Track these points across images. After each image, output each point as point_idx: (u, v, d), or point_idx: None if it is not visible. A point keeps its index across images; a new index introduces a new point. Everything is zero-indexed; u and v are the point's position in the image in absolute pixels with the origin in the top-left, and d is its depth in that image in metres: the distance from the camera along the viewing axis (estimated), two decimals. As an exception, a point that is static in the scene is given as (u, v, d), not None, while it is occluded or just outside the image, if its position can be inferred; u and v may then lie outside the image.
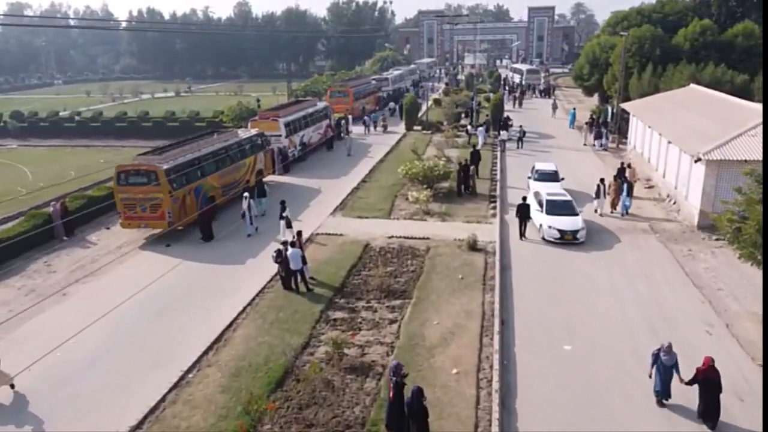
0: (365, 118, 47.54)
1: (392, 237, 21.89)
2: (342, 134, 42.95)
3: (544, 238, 21.53)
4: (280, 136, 33.50)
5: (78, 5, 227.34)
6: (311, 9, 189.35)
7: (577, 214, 22.05)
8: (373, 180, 30.59)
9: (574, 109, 48.77)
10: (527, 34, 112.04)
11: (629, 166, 27.43)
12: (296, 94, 54.41)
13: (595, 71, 49.56)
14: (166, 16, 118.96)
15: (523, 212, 22.06)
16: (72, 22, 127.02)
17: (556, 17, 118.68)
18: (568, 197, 23.19)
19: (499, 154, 36.13)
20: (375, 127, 46.48)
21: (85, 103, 75.58)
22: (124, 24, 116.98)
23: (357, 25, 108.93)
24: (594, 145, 38.42)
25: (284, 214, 21.81)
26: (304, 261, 17.93)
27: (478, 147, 38.16)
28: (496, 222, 23.50)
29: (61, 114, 57.23)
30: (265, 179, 30.90)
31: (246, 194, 23.23)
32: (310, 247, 21.25)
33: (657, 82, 40.46)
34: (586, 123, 41.55)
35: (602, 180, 24.66)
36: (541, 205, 22.63)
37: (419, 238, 21.63)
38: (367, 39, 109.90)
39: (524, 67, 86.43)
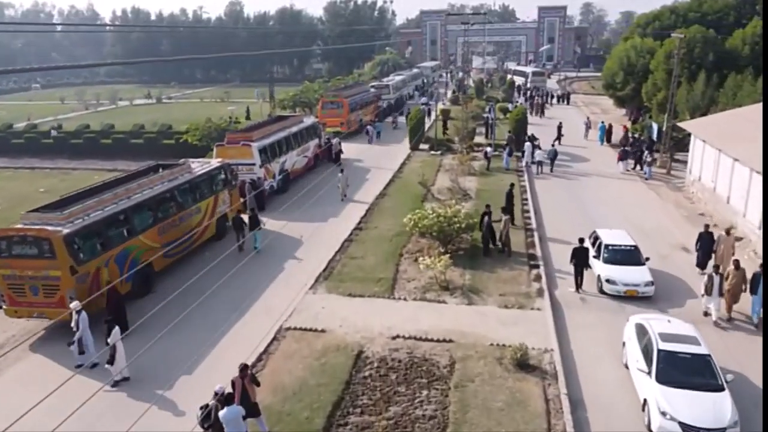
0: (368, 127, 42.40)
1: (397, 337, 14.82)
2: (334, 152, 35.97)
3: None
4: (253, 164, 26.52)
5: (62, 5, 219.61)
6: (307, 9, 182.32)
7: (722, 387, 11.37)
8: (371, 226, 23.51)
9: (603, 122, 41.64)
10: (537, 35, 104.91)
11: (728, 232, 18.24)
12: (283, 104, 47.32)
13: (630, 79, 42.62)
14: (153, 17, 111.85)
15: (580, 259, 17.47)
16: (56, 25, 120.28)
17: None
18: (703, 346, 12.20)
19: (528, 185, 29.07)
20: (378, 136, 41.87)
21: (56, 111, 68.54)
22: (109, 26, 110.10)
23: (355, 25, 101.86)
24: (620, 168, 31.97)
25: (108, 340, 13.25)
26: (253, 412, 10.94)
27: (531, 160, 32.11)
28: (546, 305, 16.43)
29: (15, 127, 50.20)
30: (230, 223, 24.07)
31: (76, 304, 14.25)
32: (273, 357, 14.22)
33: (713, 94, 33.54)
34: (623, 146, 34.44)
35: (717, 268, 15.88)
36: (647, 357, 12.12)
37: (438, 341, 14.58)
38: (366, 41, 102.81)
39: (528, 69, 79.34)
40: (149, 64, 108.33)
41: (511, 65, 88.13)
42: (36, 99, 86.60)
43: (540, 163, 32.20)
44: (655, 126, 35.11)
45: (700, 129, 27.80)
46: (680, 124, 29.85)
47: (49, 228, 15.21)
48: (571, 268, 17.69)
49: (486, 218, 20.18)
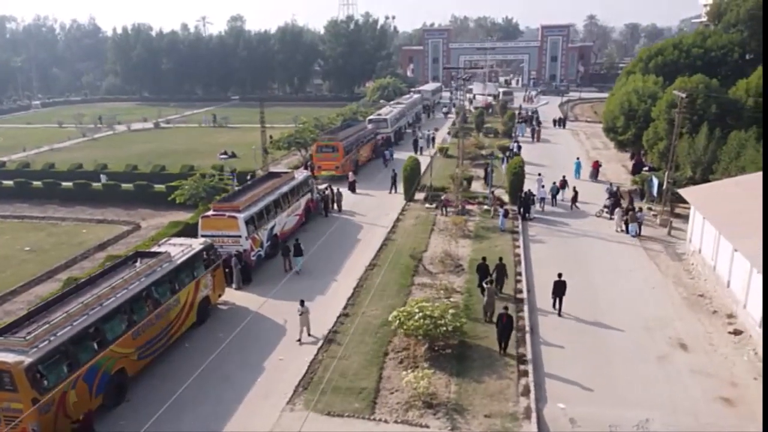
0: (385, 152, 46.77)
1: (374, 480, 14.08)
2: (329, 205, 35.15)
3: None
4: (239, 237, 25.77)
5: (64, 19, 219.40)
6: (309, 24, 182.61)
7: None
8: (358, 311, 22.58)
9: (579, 159, 42.93)
10: (540, 54, 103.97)
11: None
12: (278, 145, 46.58)
13: (631, 124, 41.71)
14: (154, 33, 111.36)
15: (559, 290, 21.36)
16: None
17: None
18: None
19: (523, 252, 28.17)
20: (391, 156, 46.27)
21: (52, 138, 68.16)
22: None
23: (357, 44, 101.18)
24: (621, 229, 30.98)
25: None
26: None
27: (529, 215, 32.57)
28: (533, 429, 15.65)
29: (9, 162, 49.76)
30: (218, 301, 23.46)
31: None
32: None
33: (716, 149, 32.74)
34: (621, 207, 32.95)
35: None
36: None
37: (416, 487, 13.82)
38: (368, 59, 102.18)
39: (500, 89, 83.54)
40: (149, 81, 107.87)
41: (501, 90, 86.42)
42: (35, 120, 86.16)
43: (543, 200, 33.94)
44: (655, 181, 34.25)
45: (700, 200, 26.82)
46: (680, 191, 28.84)
47: (10, 359, 14.50)
48: (565, 370, 18.15)
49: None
